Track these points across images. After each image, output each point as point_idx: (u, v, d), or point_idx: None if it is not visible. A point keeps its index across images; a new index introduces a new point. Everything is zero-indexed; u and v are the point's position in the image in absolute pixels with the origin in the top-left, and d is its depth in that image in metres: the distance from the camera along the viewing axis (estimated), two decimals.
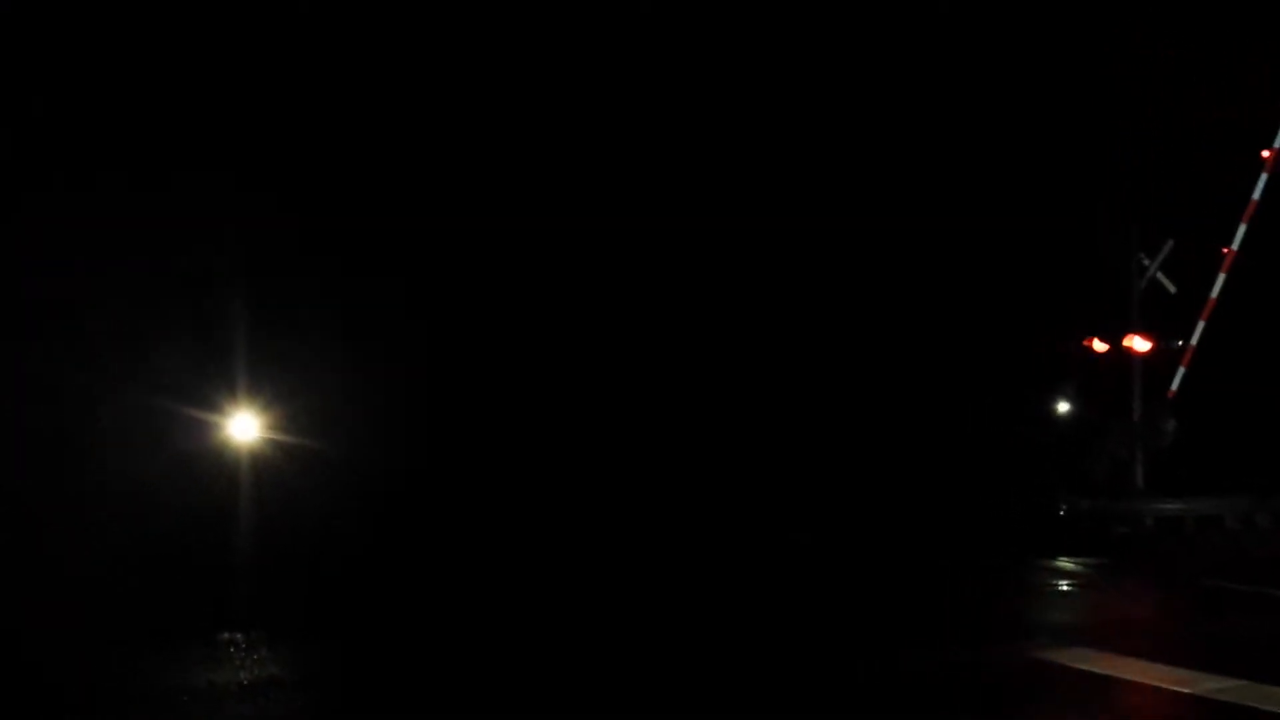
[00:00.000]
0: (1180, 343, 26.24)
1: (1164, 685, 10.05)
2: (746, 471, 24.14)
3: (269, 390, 19.99)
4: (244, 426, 19.69)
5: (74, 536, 15.57)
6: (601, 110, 24.95)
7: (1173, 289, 26.14)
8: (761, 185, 26.70)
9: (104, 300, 19.32)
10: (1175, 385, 26.08)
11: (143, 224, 19.65)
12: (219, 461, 19.28)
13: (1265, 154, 25.31)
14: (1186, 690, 9.86)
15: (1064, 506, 25.34)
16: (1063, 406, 30.27)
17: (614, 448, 23.28)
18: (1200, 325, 26.27)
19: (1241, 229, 25.66)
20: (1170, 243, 26.03)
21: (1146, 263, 26.22)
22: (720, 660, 11.58)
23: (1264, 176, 25.39)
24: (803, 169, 27.03)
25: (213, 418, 19.43)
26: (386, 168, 23.12)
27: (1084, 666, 10.82)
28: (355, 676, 11.05)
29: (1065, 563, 19.65)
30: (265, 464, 19.55)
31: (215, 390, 19.57)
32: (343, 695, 10.11)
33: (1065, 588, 17.08)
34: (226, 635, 12.50)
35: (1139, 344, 26.00)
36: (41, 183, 19.19)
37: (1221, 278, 25.91)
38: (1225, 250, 25.76)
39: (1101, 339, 26.96)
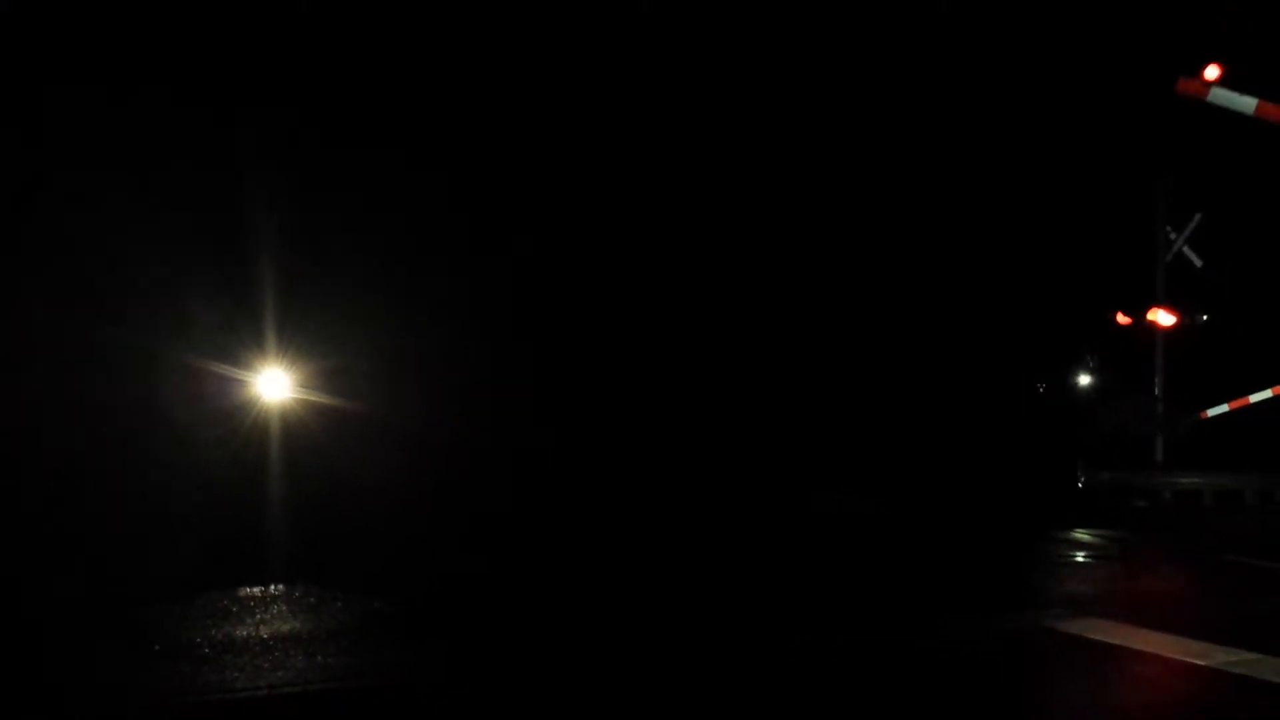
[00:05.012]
0: (1205, 317, 26.03)
1: (1178, 657, 10.07)
2: (786, 448, 24.51)
3: (300, 349, 20.09)
4: (274, 385, 19.79)
5: (103, 493, 15.77)
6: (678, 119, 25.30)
7: (1199, 263, 25.91)
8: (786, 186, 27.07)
9: (143, 262, 19.45)
10: (1212, 413, 25.66)
11: (179, 183, 19.76)
12: (249, 420, 19.43)
13: None
14: (1201, 662, 9.88)
15: (1082, 478, 25.35)
16: (1084, 379, 30.22)
17: (671, 421, 23.61)
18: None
19: None
20: (1198, 216, 25.80)
21: (1173, 236, 26.02)
22: (722, 620, 11.70)
23: None
24: (827, 162, 27.31)
25: (243, 375, 19.55)
26: (443, 121, 23.24)
27: (1098, 637, 10.85)
28: (372, 634, 11.17)
29: (1082, 534, 19.67)
30: (295, 423, 19.70)
31: (246, 348, 19.69)
32: (360, 652, 10.22)
33: (1081, 559, 17.10)
34: (247, 590, 12.67)
35: (1163, 318, 25.85)
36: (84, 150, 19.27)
37: None
38: None
39: (1125, 312, 26.80)
